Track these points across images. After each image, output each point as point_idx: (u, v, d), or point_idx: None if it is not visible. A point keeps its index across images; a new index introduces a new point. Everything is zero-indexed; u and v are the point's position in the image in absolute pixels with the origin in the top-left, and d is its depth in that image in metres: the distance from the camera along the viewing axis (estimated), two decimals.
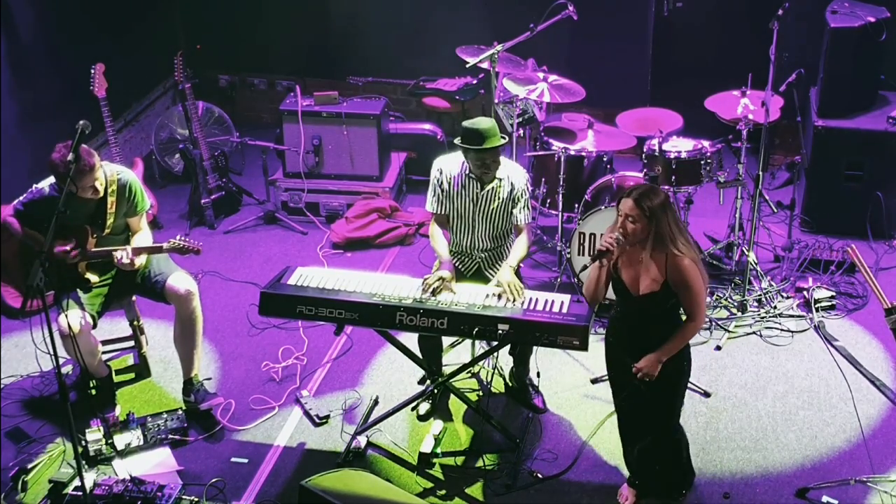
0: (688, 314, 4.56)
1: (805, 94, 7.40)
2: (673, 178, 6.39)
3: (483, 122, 5.24)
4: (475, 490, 5.17)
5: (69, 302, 5.36)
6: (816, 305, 6.44)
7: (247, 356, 6.18)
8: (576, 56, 8.10)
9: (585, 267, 4.73)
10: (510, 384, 5.83)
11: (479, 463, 5.33)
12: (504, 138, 5.30)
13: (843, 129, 7.11)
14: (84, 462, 5.12)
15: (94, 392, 5.70)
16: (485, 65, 6.70)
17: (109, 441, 5.35)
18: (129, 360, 6.08)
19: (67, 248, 5.34)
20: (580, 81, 6.81)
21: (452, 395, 5.61)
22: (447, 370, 5.56)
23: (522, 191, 5.40)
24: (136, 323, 5.92)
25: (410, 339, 5.56)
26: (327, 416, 5.65)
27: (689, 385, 4.96)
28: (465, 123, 5.27)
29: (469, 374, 5.90)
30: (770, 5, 6.30)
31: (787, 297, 6.56)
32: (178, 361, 5.65)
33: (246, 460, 5.37)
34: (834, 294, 6.55)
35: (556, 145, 6.66)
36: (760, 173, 6.34)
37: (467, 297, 5.09)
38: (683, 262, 4.42)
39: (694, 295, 4.48)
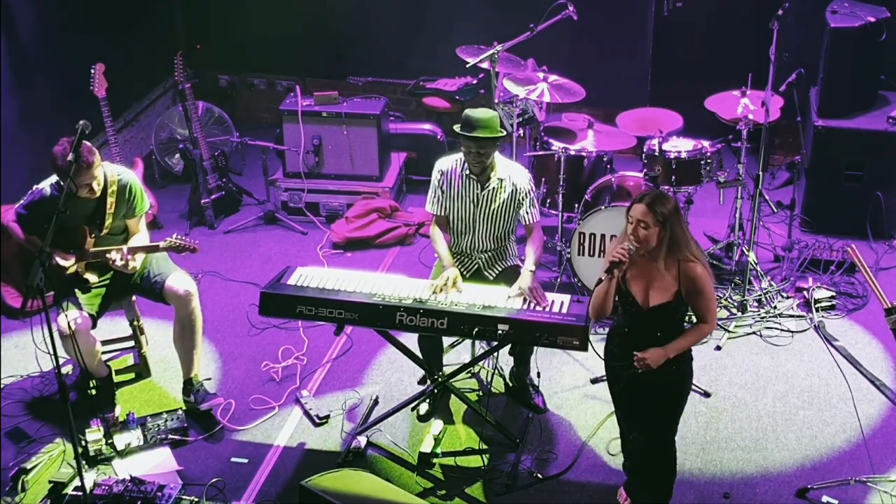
0: (700, 318, 4.50)
1: (805, 94, 7.39)
2: (673, 178, 6.39)
3: (481, 112, 5.22)
4: (475, 490, 5.17)
5: (68, 304, 5.35)
6: (816, 305, 6.43)
7: (247, 356, 6.18)
8: (576, 56, 8.09)
9: (601, 281, 4.47)
10: (510, 384, 5.82)
11: (479, 463, 5.33)
12: (502, 131, 5.27)
13: (843, 129, 7.11)
14: (84, 462, 5.11)
15: (94, 392, 5.70)
16: (485, 65, 6.70)
17: (109, 441, 5.35)
18: (129, 360, 6.07)
19: (66, 263, 5.32)
20: (580, 81, 6.80)
21: (452, 395, 5.61)
22: (447, 370, 5.55)
23: (527, 191, 5.38)
24: (135, 323, 5.92)
25: (410, 339, 5.56)
26: (327, 416, 5.65)
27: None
28: (467, 110, 5.25)
29: (469, 374, 5.90)
30: (770, 5, 6.30)
31: (787, 297, 6.56)
32: (178, 361, 5.65)
33: (246, 460, 5.37)
34: (834, 294, 6.55)
35: (556, 145, 6.65)
36: (760, 173, 6.35)
37: (472, 297, 5.08)
38: (697, 270, 4.36)
39: (707, 301, 4.43)
